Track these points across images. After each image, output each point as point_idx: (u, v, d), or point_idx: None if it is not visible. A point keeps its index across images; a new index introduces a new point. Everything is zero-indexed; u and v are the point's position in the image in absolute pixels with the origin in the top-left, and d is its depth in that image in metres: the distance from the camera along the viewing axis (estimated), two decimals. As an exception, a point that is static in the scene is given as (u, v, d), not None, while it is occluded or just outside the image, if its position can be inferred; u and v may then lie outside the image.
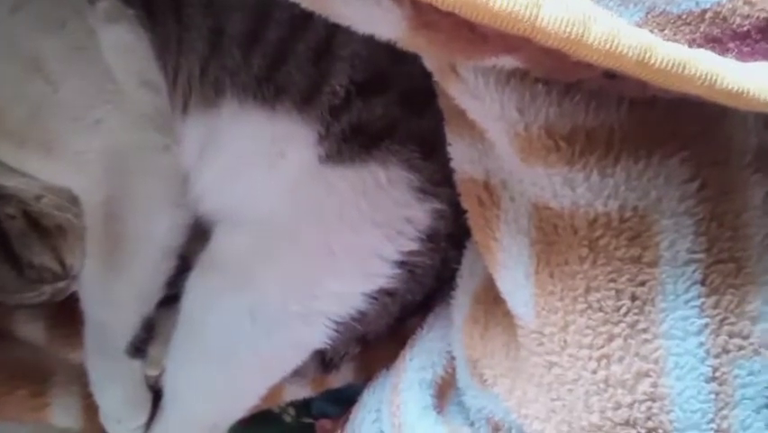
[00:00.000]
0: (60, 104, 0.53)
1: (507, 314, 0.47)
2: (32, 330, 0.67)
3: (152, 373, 0.64)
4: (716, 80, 0.28)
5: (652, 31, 0.37)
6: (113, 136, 0.55)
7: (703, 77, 0.28)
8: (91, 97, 0.53)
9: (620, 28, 0.28)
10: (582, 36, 0.27)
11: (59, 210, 0.56)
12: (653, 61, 0.28)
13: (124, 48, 0.53)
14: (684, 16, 0.37)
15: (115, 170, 0.56)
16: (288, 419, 0.71)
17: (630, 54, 0.28)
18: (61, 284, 0.59)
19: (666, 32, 0.37)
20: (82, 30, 0.52)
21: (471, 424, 0.53)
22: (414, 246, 0.56)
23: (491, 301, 0.51)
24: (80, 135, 0.54)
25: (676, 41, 0.36)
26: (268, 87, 0.53)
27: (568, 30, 0.28)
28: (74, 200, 0.56)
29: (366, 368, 0.66)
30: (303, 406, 0.71)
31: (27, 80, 0.52)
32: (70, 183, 0.56)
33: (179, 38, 0.53)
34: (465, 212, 0.52)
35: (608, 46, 0.28)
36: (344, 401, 0.68)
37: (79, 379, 0.64)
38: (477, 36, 0.32)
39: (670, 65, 0.28)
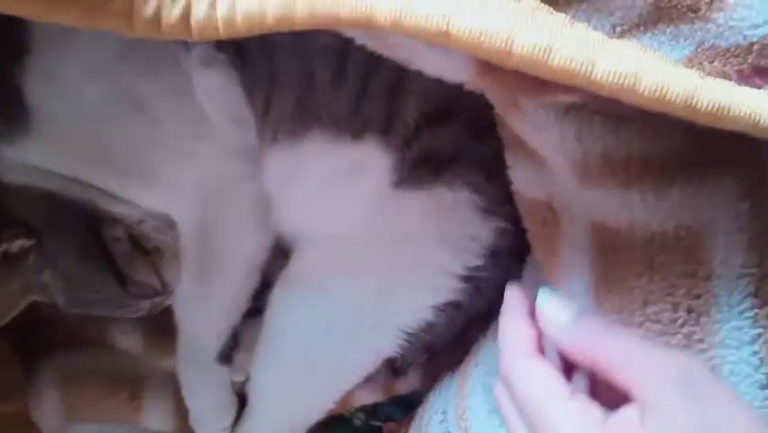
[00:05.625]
0: (160, 140, 0.56)
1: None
2: (129, 340, 0.72)
3: (238, 378, 0.67)
4: (759, 120, 0.30)
5: (701, 63, 0.38)
6: (206, 167, 0.58)
7: (747, 117, 0.30)
8: (187, 133, 0.57)
9: (670, 77, 0.30)
10: (634, 87, 0.30)
11: (158, 233, 0.60)
12: (699, 106, 0.30)
13: (217, 89, 0.56)
14: (732, 49, 0.38)
15: (208, 198, 0.59)
16: (357, 422, 0.74)
17: (678, 101, 0.30)
18: (159, 299, 0.62)
19: (716, 63, 0.38)
20: (179, 74, 0.56)
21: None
22: (478, 262, 0.59)
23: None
24: (177, 167, 0.58)
25: (725, 71, 0.38)
26: (354, 120, 0.56)
27: (620, 82, 0.30)
28: (171, 224, 0.60)
29: (432, 374, 0.69)
30: (371, 411, 0.74)
31: (131, 120, 0.55)
32: (168, 209, 0.60)
33: (272, 76, 0.56)
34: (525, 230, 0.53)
35: (657, 95, 0.30)
36: (409, 406, 0.71)
37: (171, 384, 0.69)
38: (538, 81, 0.34)
39: (715, 108, 0.30)
